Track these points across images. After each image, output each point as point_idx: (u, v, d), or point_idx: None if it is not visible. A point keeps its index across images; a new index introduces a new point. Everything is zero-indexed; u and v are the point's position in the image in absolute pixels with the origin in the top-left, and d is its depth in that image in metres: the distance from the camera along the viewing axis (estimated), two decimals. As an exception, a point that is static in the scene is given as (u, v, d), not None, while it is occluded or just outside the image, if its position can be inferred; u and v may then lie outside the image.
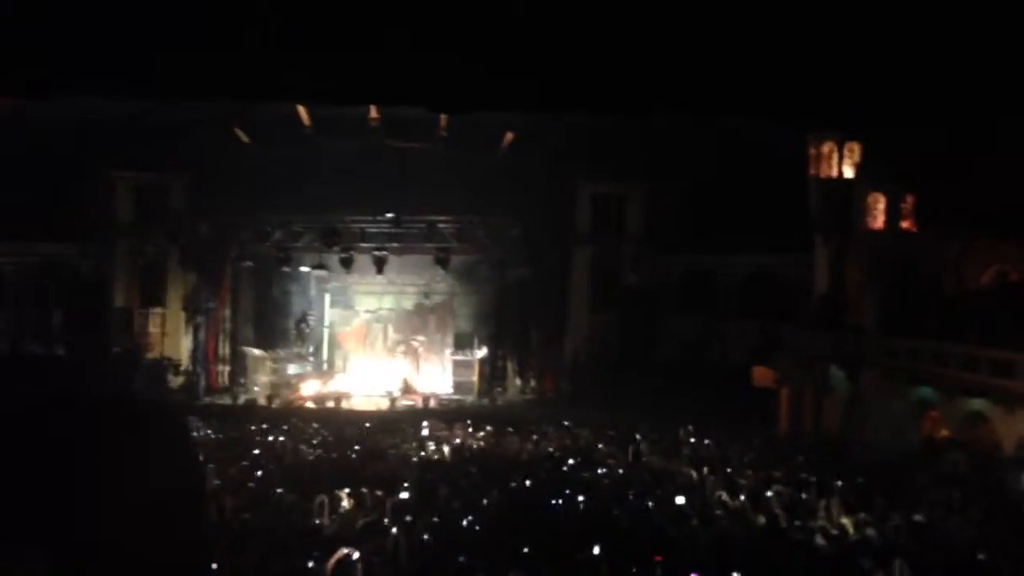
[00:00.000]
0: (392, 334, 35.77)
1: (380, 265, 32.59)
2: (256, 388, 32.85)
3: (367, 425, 25.24)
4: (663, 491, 15.38)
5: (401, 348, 35.36)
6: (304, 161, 29.98)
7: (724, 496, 14.81)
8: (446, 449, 21.01)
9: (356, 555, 9.69)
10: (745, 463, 19.24)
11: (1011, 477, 18.52)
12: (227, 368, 33.78)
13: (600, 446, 21.66)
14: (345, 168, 29.88)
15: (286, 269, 33.78)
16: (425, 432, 23.40)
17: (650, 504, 14.30)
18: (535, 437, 22.88)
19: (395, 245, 32.61)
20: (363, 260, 32.66)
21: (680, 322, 31.82)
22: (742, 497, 14.78)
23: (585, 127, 26.15)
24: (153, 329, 32.46)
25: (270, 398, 31.26)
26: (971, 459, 20.18)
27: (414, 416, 27.78)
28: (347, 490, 14.26)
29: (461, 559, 10.38)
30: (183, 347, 32.46)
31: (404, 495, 14.43)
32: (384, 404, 31.09)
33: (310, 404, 31.26)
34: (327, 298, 36.41)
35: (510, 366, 34.73)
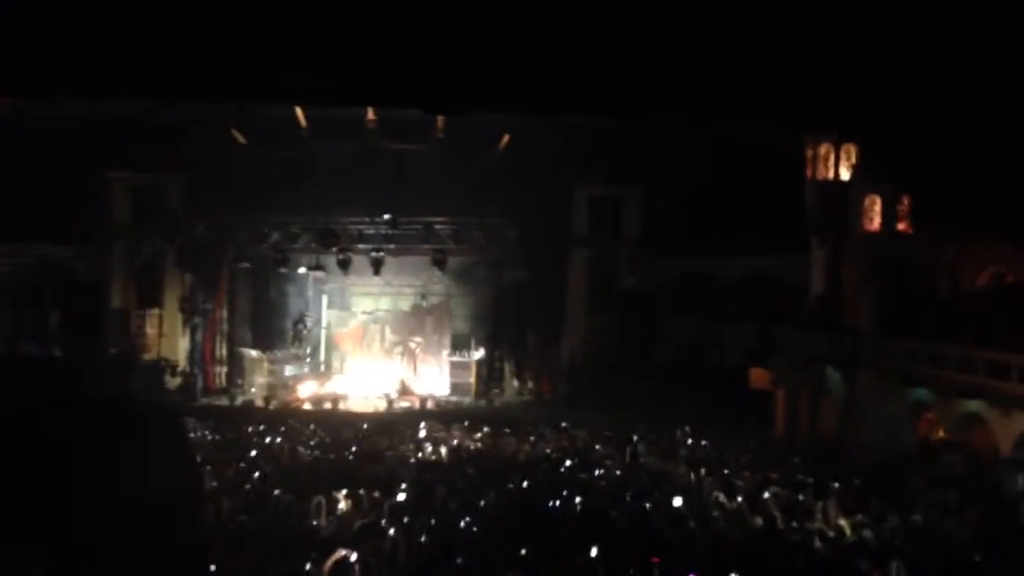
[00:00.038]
0: (389, 335, 35.75)
1: (377, 266, 32.55)
2: (253, 389, 32.85)
3: (364, 426, 25.22)
4: (660, 492, 15.38)
5: (398, 349, 35.34)
6: (301, 162, 29.96)
7: (721, 497, 14.81)
8: (443, 450, 21.00)
9: (353, 556, 9.67)
10: (742, 464, 19.23)
11: (1007, 478, 18.50)
12: (224, 369, 33.74)
13: (597, 447, 21.67)
14: (342, 169, 29.86)
15: (283, 270, 33.76)
16: (422, 433, 23.37)
17: (647, 505, 14.31)
18: (532, 438, 22.87)
19: (392, 246, 32.55)
20: (360, 261, 32.63)
21: (677, 324, 31.81)
22: (739, 498, 14.79)
23: (582, 129, 26.13)
24: (150, 330, 32.41)
25: (267, 399, 31.21)
26: (967, 461, 20.19)
27: (411, 417, 27.76)
28: (344, 491, 14.23)
29: (459, 560, 10.37)
30: (180, 348, 32.41)
31: (401, 496, 14.42)
32: (381, 405, 31.06)
33: (307, 405, 31.23)
34: (324, 299, 36.42)
35: (507, 367, 34.71)
